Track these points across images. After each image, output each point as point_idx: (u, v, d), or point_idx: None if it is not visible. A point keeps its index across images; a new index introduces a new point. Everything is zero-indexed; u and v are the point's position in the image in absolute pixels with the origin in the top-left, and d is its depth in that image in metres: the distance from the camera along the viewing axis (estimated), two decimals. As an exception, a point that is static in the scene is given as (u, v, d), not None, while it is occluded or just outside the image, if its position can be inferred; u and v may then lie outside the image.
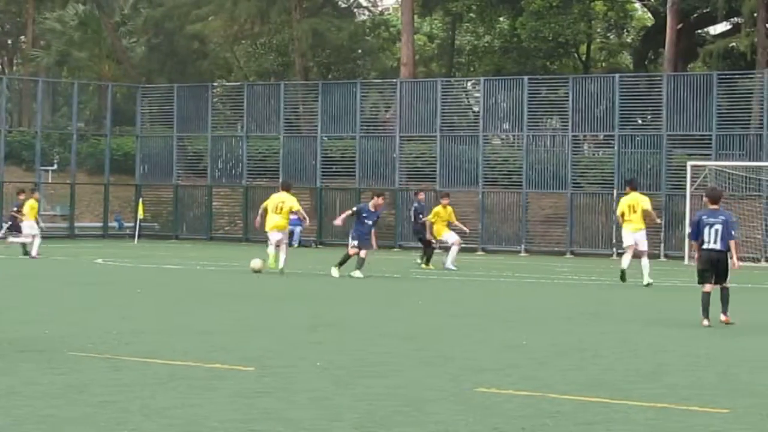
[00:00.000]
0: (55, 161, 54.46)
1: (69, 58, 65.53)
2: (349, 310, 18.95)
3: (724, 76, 42.22)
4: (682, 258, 36.99)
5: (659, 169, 41.44)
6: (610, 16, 59.42)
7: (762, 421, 9.38)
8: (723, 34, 55.52)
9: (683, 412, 9.74)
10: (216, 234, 50.11)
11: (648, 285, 24.84)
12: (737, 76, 43.44)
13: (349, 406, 9.68)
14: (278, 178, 44.63)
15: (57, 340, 13.70)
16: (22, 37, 76.59)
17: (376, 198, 27.70)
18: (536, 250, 43.37)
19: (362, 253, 26.70)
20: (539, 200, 45.16)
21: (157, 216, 51.56)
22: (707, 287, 16.97)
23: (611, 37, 63.54)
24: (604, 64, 63.22)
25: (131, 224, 48.78)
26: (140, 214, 46.44)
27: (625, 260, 25.40)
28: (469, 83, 52.99)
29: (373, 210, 27.33)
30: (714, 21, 55.71)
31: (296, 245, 44.63)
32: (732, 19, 54.24)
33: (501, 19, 57.77)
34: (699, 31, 57.75)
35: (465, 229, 33.87)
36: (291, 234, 43.96)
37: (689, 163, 38.73)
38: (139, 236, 46.29)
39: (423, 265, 31.27)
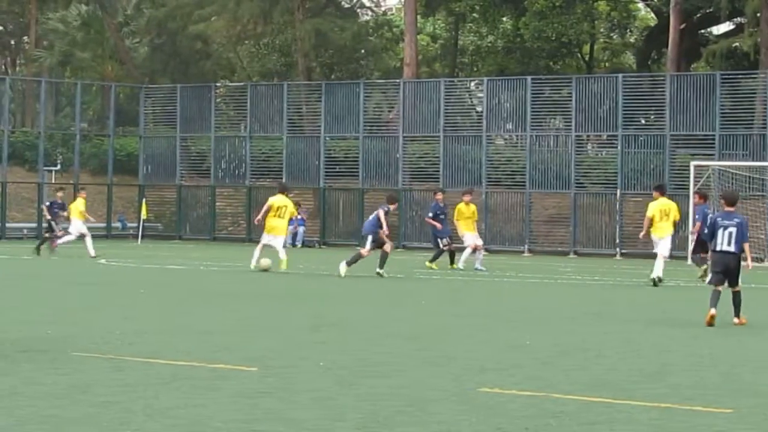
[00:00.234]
0: (59, 162, 54.40)
1: (72, 58, 65.46)
2: (351, 310, 18.94)
3: (727, 76, 42.20)
4: (685, 258, 36.93)
5: (662, 169, 41.43)
6: (613, 16, 59.40)
7: (765, 421, 9.36)
8: (726, 34, 55.47)
9: (687, 412, 9.73)
10: (219, 234, 50.09)
11: (655, 280, 24.82)
12: (740, 76, 43.43)
13: (352, 406, 9.67)
14: (281, 178, 44.63)
15: (60, 340, 13.69)
16: (25, 38, 76.53)
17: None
18: (539, 250, 43.35)
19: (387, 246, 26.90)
20: (542, 200, 45.15)
21: (160, 216, 51.56)
22: (719, 288, 16.98)
23: (614, 37, 63.48)
24: (607, 64, 63.18)
25: (134, 224, 48.78)
26: (143, 215, 46.46)
27: (659, 267, 25.04)
28: (472, 83, 53.00)
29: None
30: (717, 21, 55.68)
31: (299, 245, 44.69)
32: (735, 19, 54.23)
33: (504, 19, 57.71)
34: (702, 31, 57.67)
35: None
36: (294, 234, 44.03)
37: (692, 163, 38.64)
38: (143, 236, 46.28)
39: (452, 266, 30.44)
